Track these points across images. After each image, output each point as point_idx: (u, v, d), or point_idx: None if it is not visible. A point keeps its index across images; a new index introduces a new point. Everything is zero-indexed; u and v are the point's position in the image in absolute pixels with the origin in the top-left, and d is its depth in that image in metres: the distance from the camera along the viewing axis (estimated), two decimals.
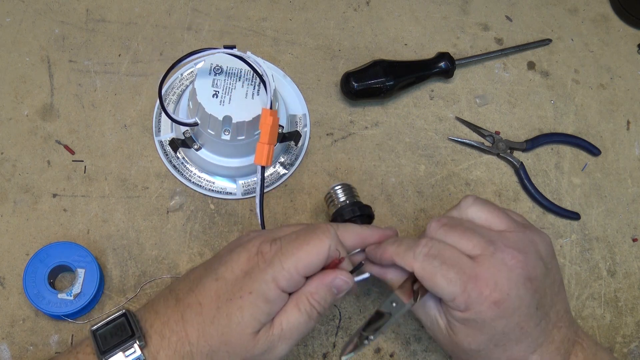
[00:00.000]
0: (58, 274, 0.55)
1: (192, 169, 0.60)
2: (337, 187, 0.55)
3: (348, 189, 0.55)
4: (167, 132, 0.61)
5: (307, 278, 0.44)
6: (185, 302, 0.45)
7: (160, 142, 0.61)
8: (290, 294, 0.44)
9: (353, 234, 0.48)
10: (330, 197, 0.55)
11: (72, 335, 0.54)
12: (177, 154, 0.61)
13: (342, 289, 0.45)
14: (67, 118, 0.62)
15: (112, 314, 0.45)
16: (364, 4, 0.71)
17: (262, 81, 0.54)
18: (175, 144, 0.59)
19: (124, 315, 0.45)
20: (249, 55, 0.54)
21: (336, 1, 0.71)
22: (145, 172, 0.60)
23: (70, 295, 0.52)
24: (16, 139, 0.60)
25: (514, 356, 0.45)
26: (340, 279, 0.44)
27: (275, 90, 0.55)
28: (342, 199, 0.55)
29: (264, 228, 0.54)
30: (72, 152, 0.60)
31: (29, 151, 0.60)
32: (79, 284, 0.53)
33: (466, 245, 0.44)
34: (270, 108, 0.52)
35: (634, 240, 0.63)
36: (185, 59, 0.53)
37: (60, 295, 0.52)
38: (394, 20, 0.71)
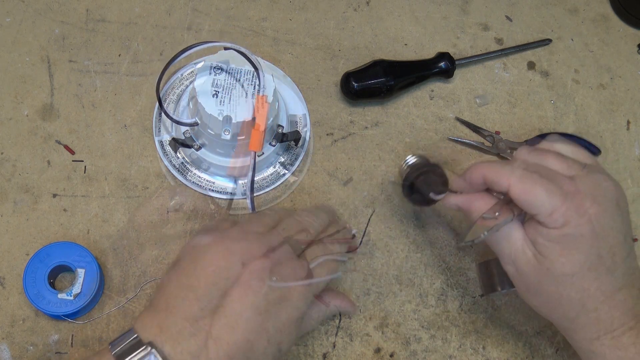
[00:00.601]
0: (58, 274, 0.55)
1: (192, 169, 0.60)
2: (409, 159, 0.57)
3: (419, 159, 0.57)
4: (167, 132, 0.61)
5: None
6: (212, 334, 0.42)
7: (161, 142, 0.61)
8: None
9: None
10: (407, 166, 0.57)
11: (72, 335, 0.54)
12: (177, 154, 0.61)
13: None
14: (67, 118, 0.62)
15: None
16: (364, 4, 0.71)
17: (253, 66, 0.54)
18: (175, 144, 0.59)
19: None
20: (244, 49, 0.54)
21: (336, 1, 0.71)
22: (145, 172, 0.60)
23: (70, 295, 0.52)
24: (16, 139, 0.60)
25: (603, 287, 0.44)
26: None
27: (275, 90, 0.55)
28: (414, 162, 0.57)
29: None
30: (72, 152, 0.60)
31: (29, 151, 0.60)
32: (79, 284, 0.53)
33: (560, 166, 0.45)
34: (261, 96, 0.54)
35: (634, 240, 0.63)
36: (179, 57, 0.53)
37: (60, 295, 0.52)
38: (394, 20, 0.71)
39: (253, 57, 0.54)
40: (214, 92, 0.54)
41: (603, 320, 0.45)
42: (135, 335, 0.42)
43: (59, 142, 0.61)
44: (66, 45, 0.65)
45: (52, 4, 0.66)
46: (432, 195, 0.51)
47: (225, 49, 0.55)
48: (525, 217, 0.47)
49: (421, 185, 0.53)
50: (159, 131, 0.62)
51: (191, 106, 0.57)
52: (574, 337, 0.47)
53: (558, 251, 0.44)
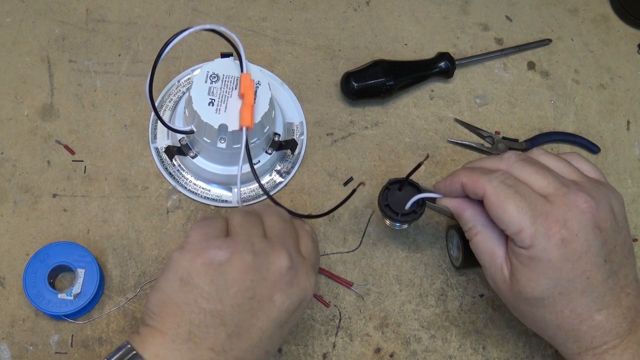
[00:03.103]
0: (58, 274, 0.55)
1: (188, 176, 0.60)
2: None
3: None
4: (163, 139, 0.61)
5: None
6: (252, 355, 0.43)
7: (156, 149, 0.61)
8: None
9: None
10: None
11: (72, 336, 0.54)
12: (173, 161, 0.60)
13: None
14: (67, 118, 0.62)
15: None
16: (364, 4, 0.71)
17: (233, 46, 0.53)
18: (171, 151, 0.59)
19: None
20: (225, 30, 0.53)
21: (336, 1, 0.71)
22: (145, 172, 0.60)
23: (70, 295, 0.52)
24: (16, 139, 0.60)
25: (578, 310, 0.43)
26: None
27: (271, 98, 0.55)
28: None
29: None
30: (72, 152, 0.60)
31: (29, 151, 0.60)
32: (79, 284, 0.53)
33: (540, 182, 0.44)
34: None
35: (634, 240, 0.63)
36: (164, 50, 0.51)
37: (60, 295, 0.52)
38: (394, 20, 0.71)
39: (232, 36, 0.52)
40: (210, 100, 0.54)
41: (582, 339, 0.44)
42: None
43: (59, 142, 0.61)
44: (66, 45, 0.65)
45: (52, 4, 0.66)
46: (411, 202, 0.51)
47: (222, 55, 0.54)
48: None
49: (393, 199, 0.53)
50: (155, 138, 0.61)
51: (187, 114, 0.56)
52: (558, 349, 0.47)
53: (527, 275, 0.43)
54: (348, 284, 0.57)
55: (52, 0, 0.67)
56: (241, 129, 0.52)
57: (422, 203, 0.53)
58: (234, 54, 0.54)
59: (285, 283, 0.43)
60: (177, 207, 0.59)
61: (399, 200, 0.53)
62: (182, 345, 0.40)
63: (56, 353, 0.53)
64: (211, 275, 0.41)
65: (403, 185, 0.53)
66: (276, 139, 0.59)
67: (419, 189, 0.53)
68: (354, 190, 0.51)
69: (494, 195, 0.43)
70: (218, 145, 0.55)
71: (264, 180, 0.61)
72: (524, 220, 0.42)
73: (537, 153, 0.48)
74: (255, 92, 0.54)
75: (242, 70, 0.53)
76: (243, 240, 0.43)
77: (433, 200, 0.51)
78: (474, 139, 0.66)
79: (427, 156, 0.52)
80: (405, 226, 0.57)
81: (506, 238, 0.45)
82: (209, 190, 0.60)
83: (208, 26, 0.52)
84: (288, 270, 0.43)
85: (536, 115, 0.68)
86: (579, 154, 0.49)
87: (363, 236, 0.60)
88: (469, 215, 0.47)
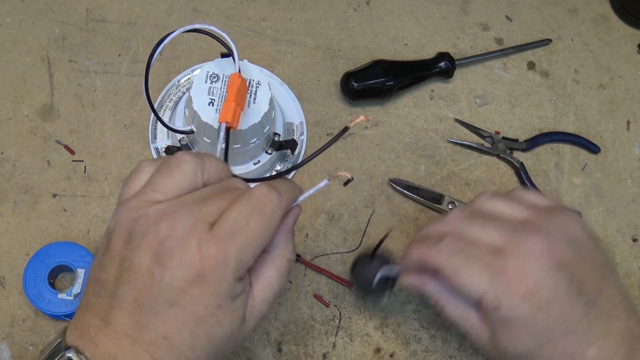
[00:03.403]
0: (58, 274, 0.55)
1: None
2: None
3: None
4: (163, 139, 0.61)
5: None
6: (144, 340, 0.36)
7: (157, 149, 0.61)
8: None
9: (292, 192, 0.41)
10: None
11: None
12: None
13: (297, 216, 0.41)
14: (67, 118, 0.62)
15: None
16: (364, 4, 0.71)
17: (226, 47, 0.51)
18: (171, 151, 0.59)
19: None
20: (215, 29, 0.51)
21: (336, 1, 0.71)
22: None
23: (70, 295, 0.52)
24: (16, 139, 0.60)
25: (568, 353, 0.41)
26: (295, 215, 0.40)
27: (271, 98, 0.55)
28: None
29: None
30: (72, 152, 0.60)
31: (29, 151, 0.60)
32: (79, 284, 0.53)
33: (490, 236, 0.42)
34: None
35: (634, 240, 0.63)
36: (156, 50, 0.50)
37: (60, 295, 0.52)
38: (394, 20, 0.71)
39: (225, 36, 0.50)
40: (210, 100, 0.54)
41: None
42: (60, 341, 0.37)
43: (59, 142, 0.61)
44: (66, 45, 0.65)
45: (52, 4, 0.66)
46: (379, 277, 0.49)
47: (223, 55, 0.52)
48: None
49: (363, 274, 0.50)
50: (155, 138, 0.61)
51: (187, 114, 0.56)
52: None
53: (505, 334, 0.41)
54: (348, 284, 0.57)
55: (52, 0, 0.67)
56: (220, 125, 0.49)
57: (387, 279, 0.50)
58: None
59: (163, 254, 0.35)
60: None
61: (369, 275, 0.50)
62: (78, 313, 0.38)
63: None
64: (104, 242, 0.38)
65: (372, 258, 0.50)
66: (276, 139, 0.59)
67: (387, 261, 0.50)
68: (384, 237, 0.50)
69: (447, 268, 0.42)
70: (218, 145, 0.55)
71: None
72: (482, 284, 0.40)
73: (481, 200, 0.46)
74: (256, 92, 0.54)
75: (235, 69, 0.51)
76: (137, 199, 0.37)
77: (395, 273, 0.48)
78: (474, 139, 0.66)
79: (391, 229, 0.49)
80: (385, 299, 0.53)
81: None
82: None
83: (197, 26, 0.50)
84: (167, 238, 0.35)
85: (536, 115, 0.68)
86: (523, 188, 0.47)
87: (363, 236, 0.60)
88: (432, 289, 0.45)
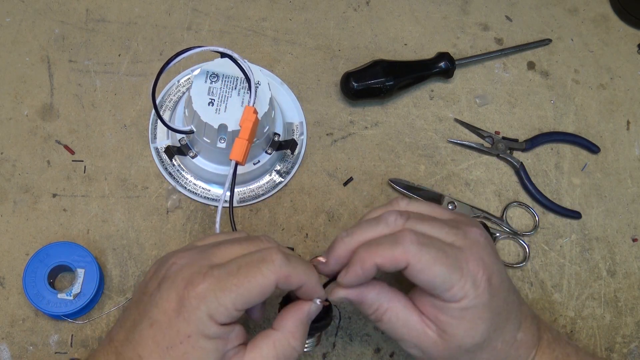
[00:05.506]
0: (58, 274, 0.55)
1: (188, 176, 0.60)
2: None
3: None
4: (163, 139, 0.61)
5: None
6: (125, 356, 0.39)
7: (156, 149, 0.61)
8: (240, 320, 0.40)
9: (303, 270, 0.41)
10: None
11: (72, 335, 0.54)
12: (173, 161, 0.60)
13: (315, 313, 0.42)
14: (67, 118, 0.62)
15: None
16: (364, 4, 0.71)
17: (246, 77, 0.52)
18: (170, 151, 0.59)
19: None
20: (238, 57, 0.52)
21: (336, 1, 0.71)
22: (145, 172, 0.60)
23: (70, 295, 0.52)
24: (16, 139, 0.60)
25: (507, 338, 0.44)
26: (310, 307, 0.42)
27: (271, 98, 0.55)
28: None
29: (233, 225, 0.52)
30: (72, 152, 0.60)
31: (29, 151, 0.60)
32: (79, 284, 0.53)
33: (439, 231, 0.42)
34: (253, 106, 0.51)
35: (634, 240, 0.63)
36: (173, 60, 0.50)
37: (60, 295, 0.52)
38: (394, 20, 0.71)
39: (245, 65, 0.51)
40: (210, 100, 0.54)
41: None
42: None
43: (59, 142, 0.61)
44: (66, 45, 0.65)
45: (52, 4, 0.66)
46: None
47: (222, 56, 0.52)
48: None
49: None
50: (155, 138, 0.61)
51: (187, 114, 0.56)
52: None
53: (463, 326, 0.42)
54: None
55: (52, 0, 0.67)
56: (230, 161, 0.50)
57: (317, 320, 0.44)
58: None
59: (165, 278, 0.40)
60: (177, 207, 0.59)
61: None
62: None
63: (56, 353, 0.53)
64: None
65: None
66: (276, 139, 0.59)
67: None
68: None
69: (419, 262, 0.40)
70: (218, 145, 0.55)
71: (264, 180, 0.61)
72: (454, 276, 0.41)
73: (403, 204, 0.46)
74: (256, 92, 0.55)
75: (252, 103, 0.51)
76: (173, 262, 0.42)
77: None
78: (474, 139, 0.66)
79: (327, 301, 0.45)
80: (312, 340, 0.47)
81: (412, 302, 0.43)
82: (209, 190, 0.60)
83: (223, 50, 0.51)
84: (171, 265, 0.41)
85: (536, 115, 0.68)
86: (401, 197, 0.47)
87: None
88: (372, 297, 0.43)
